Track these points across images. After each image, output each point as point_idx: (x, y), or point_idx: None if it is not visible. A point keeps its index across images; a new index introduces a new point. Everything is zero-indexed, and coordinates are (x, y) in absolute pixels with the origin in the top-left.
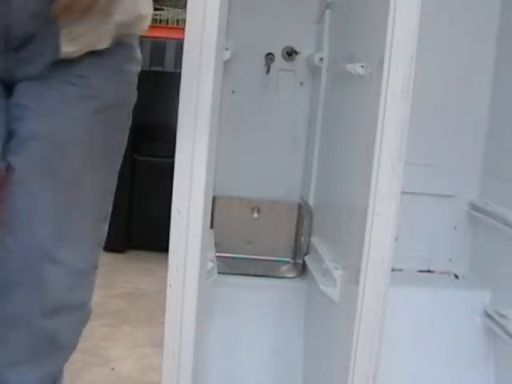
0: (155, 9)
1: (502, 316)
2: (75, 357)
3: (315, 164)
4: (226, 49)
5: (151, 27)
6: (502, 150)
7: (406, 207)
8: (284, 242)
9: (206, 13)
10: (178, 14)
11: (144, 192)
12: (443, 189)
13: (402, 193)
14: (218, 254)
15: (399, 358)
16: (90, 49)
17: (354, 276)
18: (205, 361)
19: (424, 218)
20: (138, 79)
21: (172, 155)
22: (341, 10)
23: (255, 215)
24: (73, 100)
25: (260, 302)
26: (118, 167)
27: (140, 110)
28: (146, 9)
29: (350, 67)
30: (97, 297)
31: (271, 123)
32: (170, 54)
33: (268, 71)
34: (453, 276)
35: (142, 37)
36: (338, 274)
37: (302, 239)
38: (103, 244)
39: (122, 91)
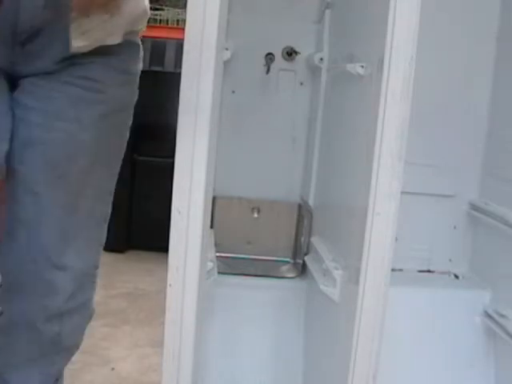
0: (155, 9)
1: (502, 316)
2: (75, 357)
3: (315, 164)
4: (226, 49)
5: (151, 27)
6: (502, 149)
7: (406, 207)
8: (284, 242)
9: (206, 13)
10: (178, 14)
11: (144, 192)
12: (443, 189)
13: (402, 193)
14: (217, 254)
15: (399, 358)
16: (99, 44)
17: (353, 276)
18: (205, 361)
19: (424, 218)
20: (139, 79)
21: (172, 155)
22: (341, 10)
23: (255, 215)
24: (80, 104)
25: (260, 302)
26: (118, 168)
27: (140, 110)
28: (147, 4)
29: (349, 67)
30: (97, 297)
31: (271, 123)
32: (169, 54)
33: (268, 71)
34: (453, 276)
35: (141, 37)
36: (337, 273)
37: (302, 239)
38: (103, 243)
39: (127, 93)
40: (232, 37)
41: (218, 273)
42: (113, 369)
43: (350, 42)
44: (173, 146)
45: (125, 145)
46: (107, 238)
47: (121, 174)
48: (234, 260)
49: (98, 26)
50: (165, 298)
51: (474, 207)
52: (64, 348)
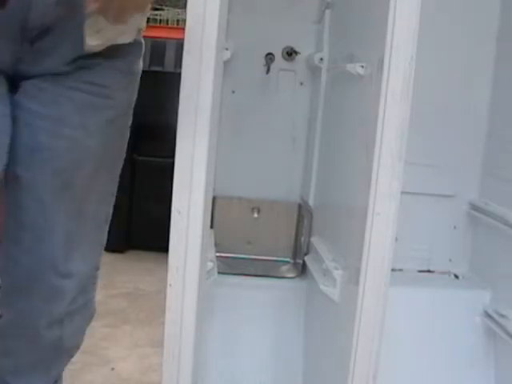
0: (155, 9)
1: (502, 316)
2: (75, 357)
3: (315, 164)
4: (226, 49)
5: (151, 27)
6: (502, 149)
7: (406, 207)
8: (284, 242)
9: (206, 13)
10: (178, 14)
11: (144, 192)
12: (443, 189)
13: (402, 193)
14: (218, 254)
15: (399, 358)
16: (111, 43)
17: (354, 276)
18: (205, 361)
19: (424, 218)
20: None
21: (172, 155)
22: (341, 10)
23: (255, 215)
24: (87, 110)
25: (260, 302)
26: (120, 169)
27: (140, 110)
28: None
29: (349, 67)
30: (97, 297)
31: (271, 123)
32: (169, 54)
33: (268, 71)
34: (453, 276)
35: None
36: (337, 273)
37: (302, 239)
38: (105, 244)
39: (131, 95)
40: (232, 37)
41: (218, 273)
42: (113, 369)
43: (349, 42)
44: (173, 146)
45: (126, 146)
46: (107, 238)
47: (121, 174)
48: (234, 260)
49: (112, 25)
50: (165, 297)
51: (474, 207)
52: (65, 350)
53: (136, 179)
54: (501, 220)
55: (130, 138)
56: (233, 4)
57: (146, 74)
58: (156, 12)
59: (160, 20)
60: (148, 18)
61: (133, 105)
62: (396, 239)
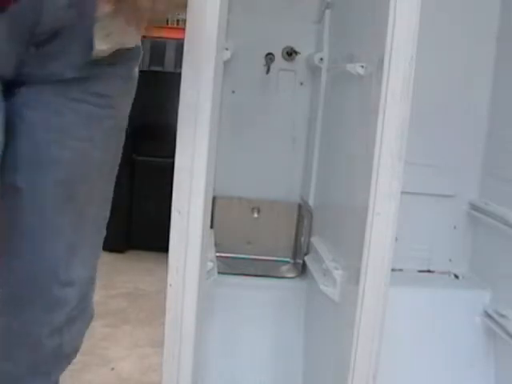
0: None
1: (502, 316)
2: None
3: (315, 164)
4: (226, 49)
5: (151, 27)
6: (502, 149)
7: (406, 207)
8: (284, 242)
9: (206, 13)
10: (178, 14)
11: (144, 192)
12: (443, 189)
13: (402, 193)
14: (218, 254)
15: (399, 358)
16: (119, 47)
17: (354, 276)
18: (205, 361)
19: (424, 218)
20: (138, 79)
21: (172, 155)
22: (341, 10)
23: (255, 215)
24: (92, 121)
25: (260, 302)
26: (116, 172)
27: (140, 110)
28: None
29: (349, 67)
30: (97, 297)
31: (271, 123)
32: (169, 54)
33: (268, 71)
34: (453, 276)
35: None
36: (338, 274)
37: (302, 239)
38: (102, 245)
39: (130, 100)
40: (232, 37)
41: (218, 273)
42: (113, 369)
43: (349, 42)
44: (173, 146)
45: (122, 148)
46: (107, 238)
47: (121, 174)
48: (234, 260)
49: (120, 28)
50: (165, 298)
51: (473, 207)
52: (65, 356)
53: (135, 179)
54: (501, 220)
55: (130, 138)
56: (233, 4)
57: (145, 73)
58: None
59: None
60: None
61: (130, 108)
62: (396, 239)
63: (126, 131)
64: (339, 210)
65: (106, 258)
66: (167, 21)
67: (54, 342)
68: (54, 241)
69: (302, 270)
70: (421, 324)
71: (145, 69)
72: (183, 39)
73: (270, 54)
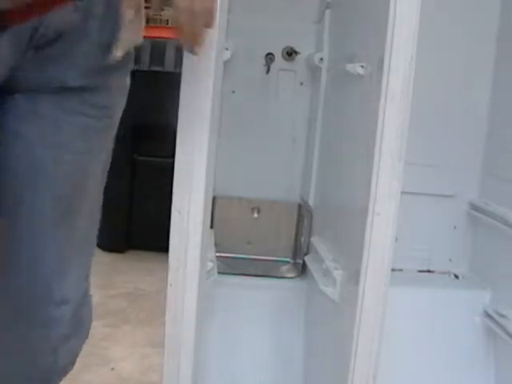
0: None
1: (502, 316)
2: None
3: (315, 164)
4: (226, 49)
5: (151, 27)
6: (502, 150)
7: (406, 207)
8: (284, 242)
9: None
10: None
11: (144, 192)
12: (443, 189)
13: (402, 193)
14: (217, 254)
15: (399, 358)
16: (128, 50)
17: (354, 276)
18: (205, 361)
19: (424, 218)
20: (138, 79)
21: (172, 155)
22: (341, 10)
23: (255, 215)
24: (91, 134)
25: (260, 302)
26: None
27: (140, 110)
28: None
29: (349, 67)
30: (97, 297)
31: (271, 123)
32: (169, 54)
33: (268, 71)
34: (453, 276)
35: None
36: (338, 274)
37: (302, 239)
38: (94, 251)
39: (122, 107)
40: (232, 37)
41: (218, 273)
42: (113, 369)
43: (350, 42)
44: (173, 146)
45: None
46: (107, 238)
47: (121, 174)
48: (234, 260)
49: (131, 29)
50: (165, 298)
51: (473, 207)
52: (60, 370)
53: (136, 179)
54: (501, 220)
55: (131, 137)
56: (233, 4)
57: (145, 73)
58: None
59: (160, 20)
60: (148, 18)
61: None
62: (396, 239)
63: (126, 131)
64: (339, 210)
65: (106, 258)
66: (167, 21)
67: (48, 360)
68: (47, 258)
69: (302, 270)
70: (421, 324)
71: (145, 69)
72: None
73: (270, 53)
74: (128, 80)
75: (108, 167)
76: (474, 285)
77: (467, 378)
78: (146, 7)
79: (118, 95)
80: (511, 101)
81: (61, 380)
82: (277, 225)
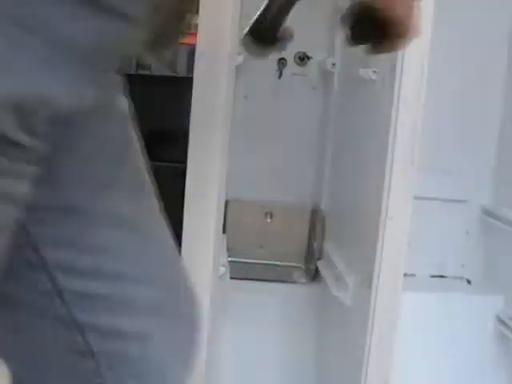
0: None
1: None
2: None
3: (328, 169)
4: (239, 54)
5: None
6: None
7: (418, 212)
8: (296, 247)
9: (219, 18)
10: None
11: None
12: (456, 194)
13: (415, 198)
14: (230, 259)
15: (411, 363)
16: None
17: (366, 281)
18: (218, 366)
19: (437, 223)
20: (151, 82)
21: (184, 160)
22: None
23: (268, 220)
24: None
25: (272, 307)
26: None
27: (150, 116)
28: None
29: (362, 72)
30: None
31: (283, 128)
32: (182, 59)
33: (280, 76)
34: (465, 281)
35: None
36: (350, 279)
37: (315, 244)
38: None
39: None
40: None
41: (231, 278)
42: None
43: (362, 47)
44: (184, 151)
45: None
46: None
47: None
48: (246, 265)
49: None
50: None
51: (486, 212)
52: None
53: None
54: None
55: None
56: (245, 9)
57: (158, 78)
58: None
59: None
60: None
61: None
62: (408, 244)
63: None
64: (352, 215)
65: None
66: None
67: None
68: None
69: (315, 276)
70: (433, 329)
71: (157, 73)
72: (195, 44)
73: (282, 58)
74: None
75: None
76: (487, 290)
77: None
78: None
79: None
80: None
81: None
82: (289, 230)
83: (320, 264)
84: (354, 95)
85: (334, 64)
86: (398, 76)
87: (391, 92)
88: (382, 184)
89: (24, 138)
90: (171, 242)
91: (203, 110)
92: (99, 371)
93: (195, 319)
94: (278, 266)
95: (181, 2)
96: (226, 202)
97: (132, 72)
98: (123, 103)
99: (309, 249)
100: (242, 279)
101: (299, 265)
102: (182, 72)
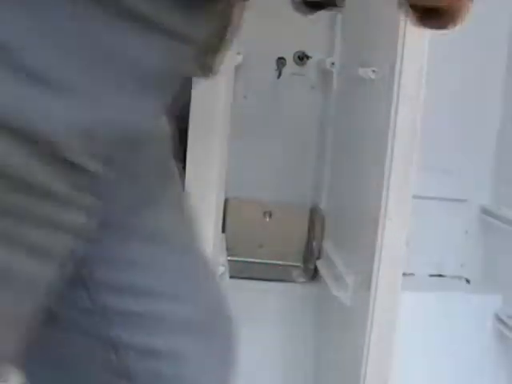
0: None
1: None
2: None
3: (327, 168)
4: (238, 53)
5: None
6: None
7: (418, 212)
8: (296, 247)
9: None
10: None
11: None
12: (455, 193)
13: (414, 197)
14: (229, 258)
15: (410, 363)
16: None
17: (365, 281)
18: None
19: (436, 223)
20: None
21: (182, 160)
22: (352, 15)
23: (267, 219)
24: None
25: (271, 306)
26: None
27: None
28: None
29: (361, 71)
30: None
31: (283, 127)
32: None
33: (279, 75)
34: (464, 280)
35: None
36: (350, 278)
37: (314, 244)
38: None
39: None
40: (243, 41)
41: (230, 277)
42: None
43: (361, 47)
44: (183, 151)
45: None
46: None
47: None
48: (245, 264)
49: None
50: None
51: (485, 212)
52: None
53: None
54: None
55: None
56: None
57: None
58: None
59: None
60: None
61: None
62: (407, 243)
63: None
64: (351, 214)
65: None
66: None
67: None
68: None
69: (314, 275)
70: (432, 328)
71: None
72: None
73: (281, 58)
74: None
75: None
76: (486, 289)
77: (479, 383)
78: None
79: None
80: None
81: None
82: (289, 229)
83: (319, 263)
84: (353, 95)
85: (333, 63)
86: (398, 75)
87: (391, 92)
88: (382, 184)
89: (91, 164)
90: (206, 259)
91: (202, 109)
92: None
93: (231, 338)
94: (277, 265)
95: (222, 16)
96: (225, 201)
97: None
98: (165, 123)
99: (308, 248)
100: (241, 278)
101: (298, 264)
102: None
